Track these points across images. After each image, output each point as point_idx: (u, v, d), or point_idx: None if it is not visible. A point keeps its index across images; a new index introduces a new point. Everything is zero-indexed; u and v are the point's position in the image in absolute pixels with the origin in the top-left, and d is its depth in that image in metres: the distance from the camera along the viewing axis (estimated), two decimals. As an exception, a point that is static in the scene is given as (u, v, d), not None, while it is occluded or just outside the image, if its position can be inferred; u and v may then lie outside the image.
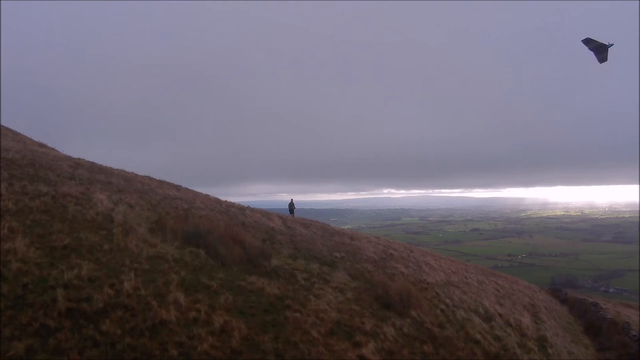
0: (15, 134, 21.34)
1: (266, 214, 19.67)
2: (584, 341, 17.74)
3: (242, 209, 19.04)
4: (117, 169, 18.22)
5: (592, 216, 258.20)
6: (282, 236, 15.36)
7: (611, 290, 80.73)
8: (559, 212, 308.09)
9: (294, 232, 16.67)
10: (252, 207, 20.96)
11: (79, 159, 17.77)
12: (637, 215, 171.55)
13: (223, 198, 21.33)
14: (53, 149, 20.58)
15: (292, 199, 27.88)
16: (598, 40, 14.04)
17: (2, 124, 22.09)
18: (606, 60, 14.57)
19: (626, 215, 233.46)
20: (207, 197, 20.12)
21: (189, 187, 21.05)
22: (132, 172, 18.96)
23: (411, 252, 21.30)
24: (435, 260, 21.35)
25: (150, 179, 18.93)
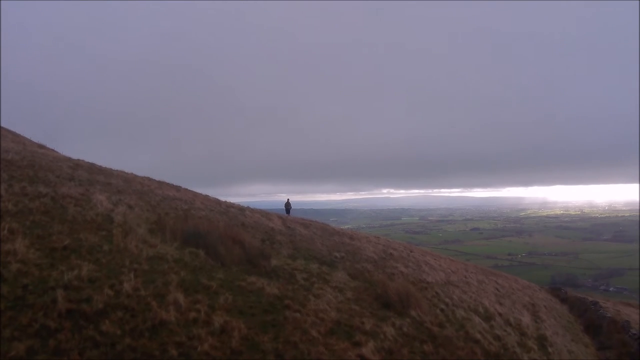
0: (14, 135, 21.36)
1: (266, 214, 19.69)
2: (584, 340, 17.78)
3: (241, 209, 19.05)
4: (117, 170, 18.24)
5: (592, 215, 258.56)
6: (282, 236, 15.36)
7: (611, 289, 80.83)
8: (558, 211, 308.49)
9: (294, 232, 16.67)
10: (251, 207, 21.01)
11: (78, 160, 17.79)
12: (637, 213, 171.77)
13: (223, 198, 21.41)
14: (52, 150, 20.60)
15: (288, 199, 28.52)
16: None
17: (2, 125, 22.11)
18: None
19: (626, 214, 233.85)
20: (206, 197, 20.13)
21: (189, 188, 21.10)
22: (132, 173, 18.98)
23: (411, 251, 21.31)
24: (435, 259, 21.36)
25: (149, 179, 18.96)
